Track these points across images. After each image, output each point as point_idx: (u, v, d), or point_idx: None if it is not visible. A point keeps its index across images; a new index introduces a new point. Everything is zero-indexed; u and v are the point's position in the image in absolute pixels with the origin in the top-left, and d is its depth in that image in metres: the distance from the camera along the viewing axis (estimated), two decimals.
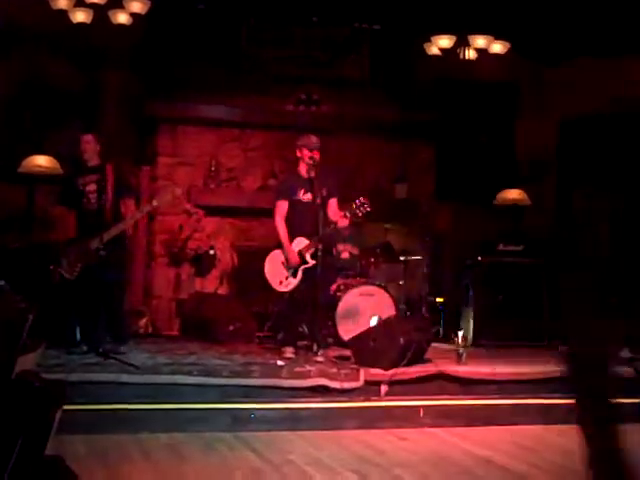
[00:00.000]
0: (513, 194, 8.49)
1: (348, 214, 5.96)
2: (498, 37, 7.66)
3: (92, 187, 6.11)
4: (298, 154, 6.26)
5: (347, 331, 6.47)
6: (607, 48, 8.24)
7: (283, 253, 6.17)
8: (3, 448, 2.25)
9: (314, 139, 6.20)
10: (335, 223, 6.03)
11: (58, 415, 2.49)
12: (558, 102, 9.22)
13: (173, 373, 5.30)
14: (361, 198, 5.93)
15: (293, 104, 8.68)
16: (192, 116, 8.48)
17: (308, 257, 6.08)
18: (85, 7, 7.08)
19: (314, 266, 6.01)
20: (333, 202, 6.23)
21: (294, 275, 6.13)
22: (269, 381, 5.34)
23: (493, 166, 9.46)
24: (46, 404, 2.43)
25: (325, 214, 6.05)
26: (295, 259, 6.08)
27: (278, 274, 6.21)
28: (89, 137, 6.18)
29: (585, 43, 8.32)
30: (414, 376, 5.60)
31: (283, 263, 6.19)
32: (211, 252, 8.35)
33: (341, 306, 6.66)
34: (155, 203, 6.15)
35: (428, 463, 4.49)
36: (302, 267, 6.11)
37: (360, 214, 5.95)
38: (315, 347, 5.90)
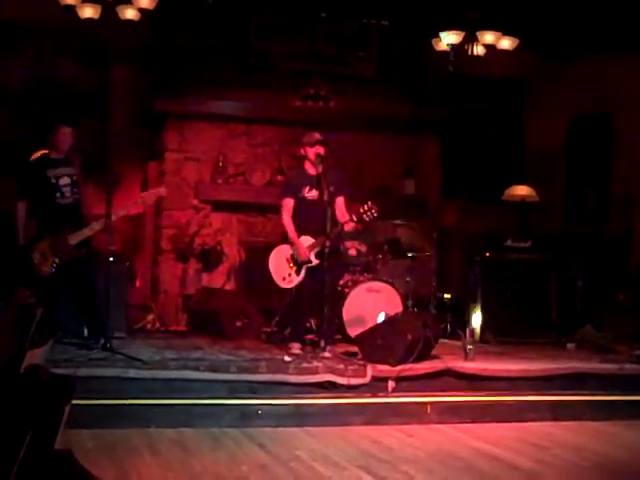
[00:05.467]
0: (521, 190, 8.47)
1: (355, 218, 5.92)
2: (507, 33, 7.62)
3: (66, 180, 5.99)
4: (303, 152, 6.26)
5: (354, 327, 6.47)
6: (617, 44, 8.20)
7: (291, 249, 6.16)
8: (13, 442, 2.26)
9: (316, 135, 6.19)
10: (342, 225, 5.99)
11: (67, 410, 2.49)
12: (568, 98, 9.19)
13: (180, 368, 5.30)
14: (369, 203, 5.85)
15: (301, 100, 8.66)
16: (200, 111, 8.48)
17: (312, 256, 6.06)
18: (93, 3, 7.08)
19: (320, 264, 5.99)
20: (340, 201, 6.18)
21: (298, 273, 6.13)
22: (276, 377, 5.34)
23: (501, 162, 9.44)
24: (55, 399, 2.43)
25: (333, 212, 6.01)
26: (305, 256, 6.06)
27: (282, 271, 6.20)
28: (68, 129, 6.03)
29: (595, 39, 8.29)
30: (421, 372, 5.60)
31: (287, 260, 6.17)
32: (218, 247, 8.36)
33: (348, 310, 6.65)
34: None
35: (435, 459, 4.49)
36: (306, 266, 6.10)
37: (367, 219, 5.90)
38: (322, 343, 5.90)
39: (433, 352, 5.95)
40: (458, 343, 6.38)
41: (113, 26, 7.15)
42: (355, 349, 5.98)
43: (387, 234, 7.65)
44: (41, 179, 5.96)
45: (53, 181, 5.98)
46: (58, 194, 5.98)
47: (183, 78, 8.23)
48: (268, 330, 7.05)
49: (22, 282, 5.64)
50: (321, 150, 6.12)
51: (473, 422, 5.42)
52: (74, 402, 2.59)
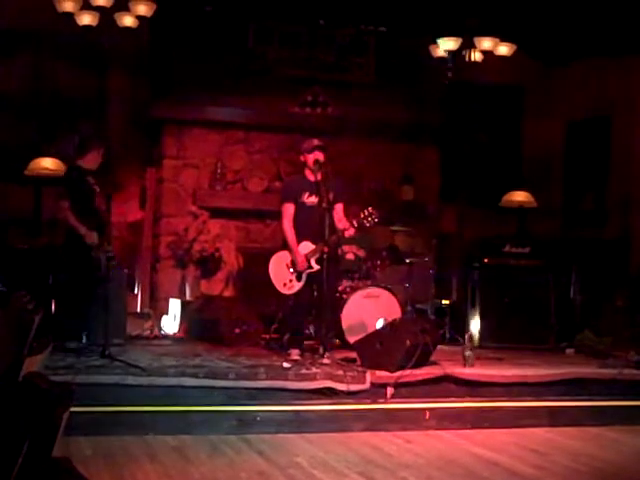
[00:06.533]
0: (519, 196, 8.47)
1: (355, 224, 5.91)
2: (504, 39, 7.65)
3: (98, 188, 6.22)
4: (302, 159, 6.25)
5: (353, 333, 6.46)
6: (614, 48, 8.22)
7: (291, 255, 6.15)
8: (10, 449, 2.25)
9: (315, 141, 6.17)
10: (342, 231, 5.98)
11: (65, 417, 2.48)
12: (565, 103, 9.21)
13: (179, 375, 5.29)
14: (369, 208, 5.84)
15: (299, 106, 8.68)
16: (198, 118, 8.50)
17: (313, 262, 6.04)
18: (91, 10, 7.09)
19: (319, 270, 5.99)
20: (339, 207, 6.17)
21: (299, 279, 6.12)
22: (275, 383, 5.34)
23: (499, 168, 9.45)
24: (53, 406, 2.43)
25: (332, 218, 6.00)
26: (303, 264, 6.05)
27: (282, 276, 6.19)
28: (102, 150, 6.40)
29: (591, 43, 8.31)
30: (420, 378, 5.60)
31: (288, 265, 6.16)
32: (216, 254, 8.36)
33: (347, 316, 6.64)
34: None
35: (434, 465, 4.48)
36: (307, 272, 6.09)
37: (367, 224, 5.89)
38: (321, 349, 5.89)
39: (432, 358, 5.95)
40: (457, 349, 6.38)
41: (111, 33, 7.17)
42: (354, 355, 5.97)
43: (386, 240, 7.66)
44: (86, 184, 6.19)
45: (93, 187, 6.20)
46: (98, 200, 6.22)
47: (181, 84, 8.24)
48: (267, 336, 7.05)
49: (22, 287, 5.64)
50: (320, 156, 6.10)
51: (472, 428, 5.41)
52: (72, 409, 2.58)
